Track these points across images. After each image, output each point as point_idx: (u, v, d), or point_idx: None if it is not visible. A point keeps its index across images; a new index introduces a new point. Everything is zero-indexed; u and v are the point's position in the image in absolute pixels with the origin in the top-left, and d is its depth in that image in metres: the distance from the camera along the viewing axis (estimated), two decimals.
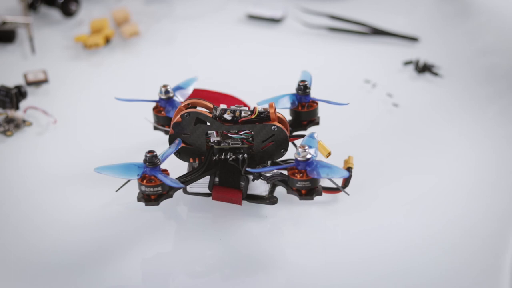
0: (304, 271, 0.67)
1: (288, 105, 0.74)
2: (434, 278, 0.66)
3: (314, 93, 0.75)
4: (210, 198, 0.72)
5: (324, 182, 0.70)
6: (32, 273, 0.67)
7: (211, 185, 0.71)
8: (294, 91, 0.75)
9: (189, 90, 0.78)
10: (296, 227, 0.71)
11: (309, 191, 0.67)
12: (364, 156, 0.77)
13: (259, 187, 0.71)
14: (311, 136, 0.69)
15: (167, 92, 0.75)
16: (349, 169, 0.72)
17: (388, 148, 0.80)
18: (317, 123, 0.76)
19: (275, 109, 0.70)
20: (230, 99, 0.81)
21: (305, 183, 0.67)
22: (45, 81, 0.91)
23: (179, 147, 0.70)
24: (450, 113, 0.85)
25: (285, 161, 0.72)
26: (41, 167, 0.79)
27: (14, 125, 0.84)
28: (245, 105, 0.73)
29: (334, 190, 0.71)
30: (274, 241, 0.70)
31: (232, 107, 0.70)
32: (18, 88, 0.86)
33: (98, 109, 0.88)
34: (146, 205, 0.68)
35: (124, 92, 0.86)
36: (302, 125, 0.75)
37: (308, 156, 0.66)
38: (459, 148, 0.80)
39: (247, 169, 0.69)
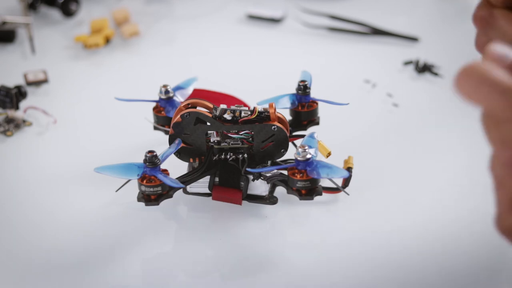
0: (304, 271, 0.67)
1: (288, 105, 0.74)
2: (435, 278, 0.66)
3: (314, 93, 0.75)
4: (210, 198, 0.72)
5: (324, 182, 0.70)
6: (32, 272, 0.67)
7: (211, 185, 0.71)
8: (294, 91, 0.75)
9: (189, 90, 0.78)
10: (296, 227, 0.71)
11: (309, 191, 0.67)
12: (364, 156, 0.77)
13: (259, 187, 0.71)
14: (311, 136, 0.69)
15: (167, 92, 0.75)
16: (349, 169, 0.72)
17: (388, 148, 0.80)
18: (317, 123, 0.76)
19: (275, 109, 0.70)
20: (230, 99, 0.81)
21: (305, 183, 0.66)
22: (45, 81, 0.91)
23: (179, 147, 0.70)
24: (450, 113, 0.85)
25: (285, 161, 0.72)
26: (41, 167, 0.79)
27: (14, 125, 0.84)
28: (245, 105, 0.73)
29: (334, 190, 0.71)
30: (274, 241, 0.70)
31: (232, 107, 0.70)
32: (18, 88, 0.86)
33: (98, 109, 0.88)
34: (146, 205, 0.68)
35: (124, 92, 0.86)
36: (302, 125, 0.75)
37: (308, 156, 0.66)
38: (460, 147, 0.80)
39: (247, 169, 0.69)
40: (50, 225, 0.72)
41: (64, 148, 0.82)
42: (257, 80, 0.92)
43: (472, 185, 0.75)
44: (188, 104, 0.71)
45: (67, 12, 1.03)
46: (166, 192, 0.68)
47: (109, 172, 0.67)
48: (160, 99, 0.75)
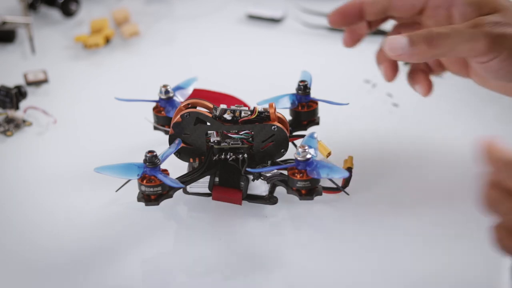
0: (304, 271, 0.67)
1: (288, 105, 0.74)
2: (437, 277, 0.66)
3: (314, 93, 0.75)
4: (210, 198, 0.72)
5: (324, 182, 0.70)
6: (32, 272, 0.67)
7: (211, 185, 0.71)
8: (294, 91, 0.75)
9: (189, 90, 0.78)
10: (296, 227, 0.71)
11: (309, 191, 0.67)
12: (364, 156, 0.77)
13: (259, 187, 0.71)
14: (311, 136, 0.69)
15: (167, 92, 0.75)
16: (349, 169, 0.72)
17: (388, 148, 0.80)
18: (317, 123, 0.76)
19: (275, 109, 0.70)
20: (230, 99, 0.81)
21: (305, 183, 0.67)
22: (45, 81, 0.91)
23: (179, 147, 0.70)
24: (450, 113, 0.85)
25: (285, 161, 0.72)
26: (41, 167, 0.79)
27: (14, 125, 0.84)
28: (245, 105, 0.73)
29: (334, 190, 0.71)
30: (274, 241, 0.70)
31: (232, 107, 0.70)
32: (18, 88, 0.86)
33: (98, 109, 0.88)
34: (146, 205, 0.68)
35: (124, 92, 0.86)
36: (302, 125, 0.75)
37: (308, 156, 0.66)
38: (459, 147, 0.80)
39: (247, 169, 0.69)
40: (50, 225, 0.72)
41: (64, 148, 0.82)
42: (257, 80, 0.92)
43: (473, 184, 0.75)
44: (188, 104, 0.71)
45: (67, 12, 1.03)
46: (166, 192, 0.68)
47: (109, 172, 0.67)
48: (160, 99, 0.75)
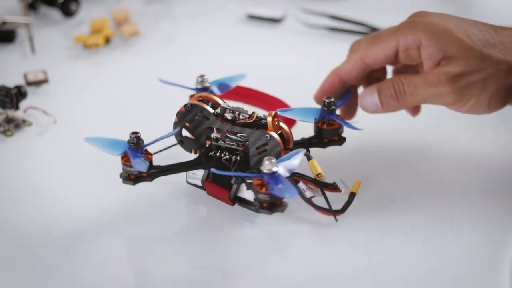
0: (304, 272, 0.67)
1: (310, 119, 0.73)
2: (437, 279, 0.66)
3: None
4: (210, 198, 0.72)
5: (321, 199, 0.69)
6: (33, 272, 0.67)
7: (204, 180, 0.71)
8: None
9: (231, 85, 0.77)
10: (296, 228, 0.71)
11: (270, 205, 0.65)
12: (363, 158, 0.77)
13: (250, 192, 0.70)
14: (298, 152, 0.67)
15: (202, 82, 0.75)
16: (352, 195, 0.69)
17: (388, 149, 0.80)
18: (340, 144, 0.73)
19: (275, 118, 0.68)
20: (270, 100, 0.80)
21: (264, 196, 0.65)
22: (45, 81, 0.91)
23: (176, 133, 0.70)
24: (451, 113, 0.85)
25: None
26: (41, 167, 0.79)
27: (14, 125, 0.84)
28: (285, 106, 0.71)
29: (326, 211, 0.69)
30: (274, 241, 0.70)
31: (234, 107, 0.70)
32: (18, 88, 0.86)
33: (98, 109, 0.88)
34: (123, 182, 0.68)
35: (124, 92, 0.86)
36: (323, 142, 0.73)
37: (275, 169, 0.64)
38: (462, 146, 0.80)
39: (213, 170, 0.69)
40: (50, 225, 0.72)
41: (64, 148, 0.82)
42: (257, 80, 0.92)
43: (476, 185, 0.75)
44: (200, 96, 0.71)
45: (67, 12, 1.03)
46: (146, 175, 0.67)
47: (98, 144, 0.69)
48: (197, 88, 0.75)
